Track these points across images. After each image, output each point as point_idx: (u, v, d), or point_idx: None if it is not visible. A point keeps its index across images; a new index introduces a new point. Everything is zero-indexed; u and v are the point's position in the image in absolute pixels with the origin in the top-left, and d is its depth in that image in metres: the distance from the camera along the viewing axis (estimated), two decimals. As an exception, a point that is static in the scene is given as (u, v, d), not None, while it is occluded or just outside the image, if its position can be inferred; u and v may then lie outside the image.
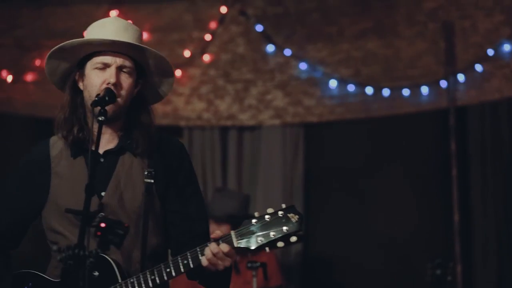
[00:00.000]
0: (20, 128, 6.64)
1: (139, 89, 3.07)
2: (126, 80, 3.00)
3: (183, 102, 6.51)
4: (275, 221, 2.80)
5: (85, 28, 6.46)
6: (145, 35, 6.39)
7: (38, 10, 6.61)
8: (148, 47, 2.99)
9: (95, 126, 2.90)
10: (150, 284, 2.87)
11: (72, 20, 6.53)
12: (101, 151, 3.02)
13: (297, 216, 2.80)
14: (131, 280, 2.89)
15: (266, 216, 2.81)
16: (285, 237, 2.79)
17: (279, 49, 6.44)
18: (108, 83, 2.95)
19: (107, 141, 3.04)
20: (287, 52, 6.43)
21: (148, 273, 2.89)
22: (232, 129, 6.61)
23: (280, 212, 2.81)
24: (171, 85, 3.16)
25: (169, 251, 3.16)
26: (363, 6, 6.40)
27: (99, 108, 2.86)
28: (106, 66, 2.98)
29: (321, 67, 6.41)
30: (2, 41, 6.60)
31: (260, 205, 6.40)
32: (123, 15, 6.41)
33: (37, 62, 6.53)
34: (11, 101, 6.62)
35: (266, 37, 6.46)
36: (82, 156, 3.03)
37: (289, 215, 2.81)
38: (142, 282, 2.88)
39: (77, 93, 3.04)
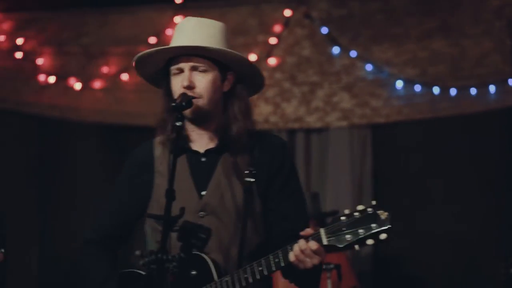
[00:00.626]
0: (88, 135, 7.11)
1: (232, 83, 3.23)
2: (201, 79, 3.14)
3: (250, 106, 6.74)
4: (364, 218, 2.84)
5: (150, 34, 6.87)
6: (211, 40, 6.68)
7: (104, 18, 7.10)
8: (205, 46, 3.12)
9: (191, 127, 3.17)
10: (243, 283, 3.00)
11: (138, 27, 6.91)
12: (202, 150, 3.20)
13: (386, 213, 2.83)
14: (226, 278, 3.02)
15: (355, 213, 2.86)
16: (374, 235, 2.81)
17: (345, 50, 6.81)
18: (183, 87, 3.12)
19: (208, 140, 3.21)
20: (353, 53, 6.80)
21: (241, 272, 3.02)
22: (299, 132, 6.98)
23: (369, 209, 2.85)
24: (260, 75, 3.30)
25: None
26: (428, 5, 6.78)
27: (176, 113, 3.01)
28: (180, 71, 3.15)
29: (387, 68, 6.77)
30: (69, 49, 7.12)
31: (329, 207, 6.72)
32: (186, 20, 6.70)
33: (104, 69, 6.98)
34: (80, 108, 7.11)
35: (331, 39, 6.84)
36: (184, 155, 3.18)
37: (378, 212, 2.83)
38: (236, 280, 3.01)
39: (170, 95, 3.21)
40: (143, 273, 3.14)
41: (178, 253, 2.78)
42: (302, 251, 2.90)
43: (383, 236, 2.81)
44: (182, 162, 3.18)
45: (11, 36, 7.09)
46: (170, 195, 2.83)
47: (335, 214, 5.94)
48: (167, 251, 2.74)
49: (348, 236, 2.84)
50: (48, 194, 7.18)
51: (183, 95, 3.08)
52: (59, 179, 7.14)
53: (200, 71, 3.14)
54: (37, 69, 7.06)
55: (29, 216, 7.18)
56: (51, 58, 7.08)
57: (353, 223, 2.84)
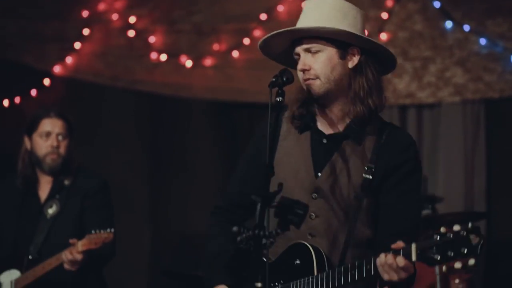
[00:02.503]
0: (200, 112, 7.84)
1: (358, 58, 3.44)
2: (315, 60, 3.40)
3: (361, 82, 7.35)
4: (457, 240, 2.99)
5: (261, 11, 7.47)
6: (321, 16, 7.30)
7: (214, -5, 7.81)
8: (318, 26, 3.35)
9: (317, 107, 3.48)
10: (336, 284, 3.23)
11: (248, 4, 7.60)
12: (325, 131, 3.48)
13: (478, 239, 2.96)
14: (321, 275, 3.27)
15: (449, 234, 3.02)
16: (462, 258, 2.98)
17: (458, 25, 7.37)
18: (299, 71, 3.43)
19: (333, 122, 3.47)
20: (466, 27, 7.35)
21: (336, 272, 3.24)
22: (411, 108, 7.59)
23: (462, 232, 2.99)
24: (386, 50, 3.53)
25: None
26: None
27: (276, 89, 3.25)
28: (298, 55, 3.46)
29: (502, 41, 7.29)
30: (181, 26, 7.85)
31: (441, 185, 7.37)
32: (300, -2, 7.39)
33: (215, 47, 7.68)
34: (191, 86, 7.86)
35: (444, 13, 7.41)
36: (308, 132, 3.51)
37: (471, 236, 2.97)
38: (330, 280, 3.25)
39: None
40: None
41: (275, 229, 3.01)
42: (388, 265, 3.10)
43: (471, 262, 2.97)
44: (305, 140, 3.50)
45: (124, 14, 7.90)
46: (269, 170, 3.08)
47: (440, 200, 6.54)
48: (264, 227, 2.94)
49: (437, 256, 3.01)
50: (161, 171, 7.93)
51: (285, 70, 3.31)
52: (171, 156, 7.89)
53: (313, 52, 3.40)
54: (149, 47, 7.83)
55: (142, 194, 7.95)
56: (163, 36, 7.85)
57: (444, 244, 3.00)
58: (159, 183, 7.92)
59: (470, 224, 2.99)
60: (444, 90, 7.40)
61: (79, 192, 5.52)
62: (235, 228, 2.97)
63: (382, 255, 3.12)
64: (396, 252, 3.10)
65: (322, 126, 3.51)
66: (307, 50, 3.41)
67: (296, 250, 3.37)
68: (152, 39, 7.85)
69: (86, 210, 5.48)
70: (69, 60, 7.96)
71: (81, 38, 7.96)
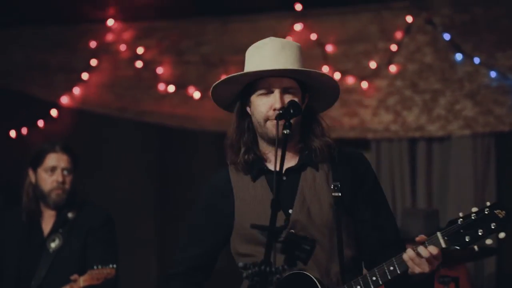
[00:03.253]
0: (208, 144, 7.76)
1: (306, 102, 3.50)
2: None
3: (370, 114, 7.44)
4: (482, 219, 3.11)
5: (270, 42, 7.38)
6: (330, 48, 7.43)
7: (223, 27, 7.84)
8: (305, 69, 3.42)
9: (268, 148, 3.45)
10: None
11: (257, 36, 7.27)
12: (282, 169, 3.33)
13: (504, 212, 3.09)
14: None
15: (472, 215, 3.14)
16: (493, 234, 3.10)
17: (468, 57, 7.33)
18: (275, 109, 3.35)
19: (288, 159, 3.38)
20: (476, 60, 7.31)
21: (352, 283, 3.26)
22: (421, 141, 7.52)
23: (486, 209, 3.13)
24: (338, 94, 3.56)
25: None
26: None
27: (283, 121, 3.24)
28: (269, 91, 3.40)
29: (512, 74, 7.25)
30: (189, 58, 7.85)
31: (451, 217, 7.08)
32: (307, 28, 7.47)
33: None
34: (199, 117, 7.81)
35: (454, 46, 7.37)
36: (263, 177, 3.48)
37: (495, 211, 3.10)
38: None
39: (244, 118, 3.53)
40: None
41: (282, 265, 2.95)
42: (423, 257, 3.17)
43: (502, 235, 3.10)
44: (263, 184, 3.47)
45: (132, 45, 7.91)
46: (276, 205, 3.01)
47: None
48: (271, 263, 2.89)
49: (467, 237, 3.12)
50: (168, 203, 7.88)
51: (293, 102, 3.33)
52: (178, 188, 7.82)
53: (290, 92, 3.40)
54: (157, 78, 7.83)
55: (148, 226, 7.90)
56: (171, 67, 7.84)
57: (471, 224, 3.12)
58: (166, 215, 7.86)
59: (488, 203, 3.14)
60: (454, 123, 7.35)
61: (82, 226, 5.46)
62: (241, 264, 2.93)
63: (410, 250, 3.17)
64: (424, 244, 3.16)
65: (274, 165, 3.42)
66: (286, 90, 3.40)
67: (293, 281, 3.30)
68: (160, 70, 7.84)
69: (89, 245, 5.42)
70: (76, 91, 7.95)
71: (88, 68, 7.94)
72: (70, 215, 5.47)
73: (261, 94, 3.41)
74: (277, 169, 3.18)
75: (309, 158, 3.45)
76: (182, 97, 7.78)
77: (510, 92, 7.23)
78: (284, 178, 3.44)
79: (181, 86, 7.79)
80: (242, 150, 3.46)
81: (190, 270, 3.55)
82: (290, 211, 3.39)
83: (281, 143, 3.19)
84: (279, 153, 3.16)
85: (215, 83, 3.52)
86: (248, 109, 3.51)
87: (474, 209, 3.16)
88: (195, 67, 7.80)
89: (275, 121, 3.31)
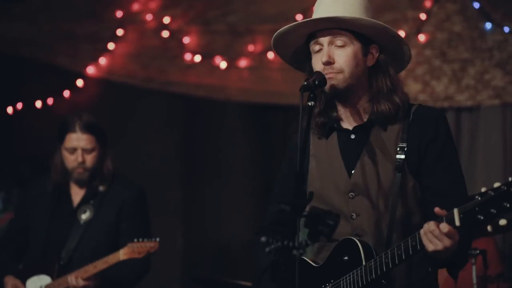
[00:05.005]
0: (235, 115, 7.75)
1: (377, 56, 3.40)
2: (341, 54, 3.32)
3: (399, 84, 7.24)
4: (497, 196, 2.94)
5: (297, 11, 7.42)
6: (359, 17, 7.21)
7: (250, -4, 7.68)
8: (340, 16, 3.28)
9: (339, 105, 3.40)
10: (385, 268, 3.17)
11: (284, 5, 7.49)
12: (351, 126, 3.42)
13: None
14: (370, 264, 3.20)
15: (490, 192, 2.98)
16: (505, 213, 2.97)
17: (498, 26, 7.20)
18: (323, 63, 3.30)
19: (357, 116, 3.41)
20: (506, 29, 7.17)
21: (383, 256, 3.18)
22: (450, 111, 7.40)
23: (503, 187, 2.95)
24: (406, 46, 3.43)
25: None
26: None
27: (308, 93, 3.19)
28: (320, 47, 3.35)
29: (542, 44, 7.12)
30: (216, 27, 7.76)
31: (479, 188, 7.02)
32: (334, -3, 7.25)
33: (250, 48, 7.58)
34: (225, 87, 7.76)
35: (484, 15, 7.24)
36: (334, 133, 3.46)
37: (511, 189, 2.93)
38: (378, 265, 3.18)
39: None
40: (303, 258, 3.41)
41: (305, 240, 2.93)
42: (431, 232, 3.04)
43: None
44: (333, 142, 3.45)
45: (158, 14, 7.81)
46: (300, 179, 3.02)
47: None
48: (294, 238, 2.88)
49: (480, 216, 2.96)
50: (194, 175, 7.86)
51: (317, 73, 3.27)
52: (205, 160, 7.83)
53: (338, 45, 3.32)
54: (183, 48, 7.74)
55: (175, 198, 7.88)
56: (197, 36, 7.76)
57: (486, 202, 2.95)
58: (193, 187, 7.85)
59: (510, 178, 2.95)
60: (483, 93, 7.24)
61: (115, 200, 5.40)
62: (263, 239, 2.91)
63: (425, 224, 3.06)
64: (439, 220, 3.05)
65: (346, 123, 3.46)
66: (332, 43, 3.34)
67: (343, 247, 3.31)
68: (186, 40, 7.76)
69: (123, 218, 5.36)
70: (102, 61, 7.88)
71: (114, 38, 7.88)
72: (100, 188, 5.43)
73: (315, 51, 3.37)
74: (343, 131, 3.31)
75: (378, 117, 3.37)
76: (208, 67, 7.70)
77: (540, 61, 7.12)
78: (353, 136, 3.41)
79: (208, 56, 7.70)
80: (317, 110, 3.43)
81: (276, 224, 3.55)
82: (353, 171, 3.36)
83: (306, 114, 3.15)
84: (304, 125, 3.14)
85: (272, 40, 3.46)
86: None
87: (496, 185, 2.99)
88: (221, 37, 7.71)
89: (330, 75, 3.31)
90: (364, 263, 3.23)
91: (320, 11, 3.34)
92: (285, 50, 3.51)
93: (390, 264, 3.15)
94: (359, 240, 3.28)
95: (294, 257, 2.86)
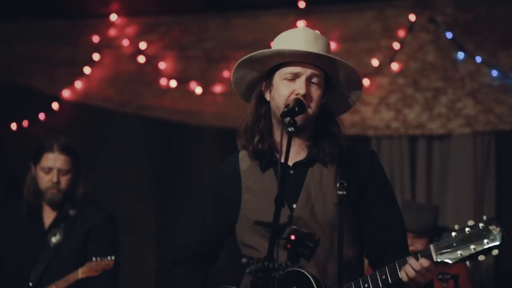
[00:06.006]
0: (210, 139, 7.72)
1: (325, 99, 3.42)
2: (315, 92, 3.35)
3: (371, 111, 7.41)
4: (476, 234, 3.03)
5: (272, 39, 7.46)
6: (333, 45, 7.36)
7: (225, 23, 7.79)
8: (339, 58, 3.35)
9: (284, 137, 3.23)
10: None
11: (259, 32, 7.55)
12: (290, 163, 3.37)
13: (498, 229, 3.01)
14: None
15: (466, 229, 3.05)
16: (486, 250, 3.02)
17: (470, 56, 7.29)
18: (297, 94, 3.29)
19: (296, 153, 3.40)
20: (478, 59, 7.26)
21: (346, 287, 3.24)
22: (421, 139, 7.48)
23: (481, 225, 3.03)
24: (359, 97, 3.49)
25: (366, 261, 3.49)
26: None
27: (288, 119, 3.20)
28: (295, 76, 3.33)
29: (513, 74, 7.20)
30: (191, 53, 7.82)
31: (449, 215, 7.24)
32: (310, 25, 7.40)
33: (225, 74, 7.62)
34: (200, 112, 7.79)
35: (457, 44, 7.33)
36: (271, 168, 3.42)
37: (490, 227, 3.01)
38: None
39: (262, 104, 3.43)
40: None
41: (285, 261, 2.93)
42: (414, 270, 3.11)
43: (495, 252, 3.02)
44: (270, 176, 3.42)
45: (134, 40, 7.86)
46: (280, 202, 3.01)
47: (449, 230, 6.47)
48: (274, 259, 2.89)
49: (459, 252, 3.04)
50: (168, 198, 7.84)
51: (297, 100, 3.27)
52: (179, 183, 7.79)
53: (314, 83, 3.34)
54: (159, 73, 7.78)
55: (148, 219, 7.86)
56: (173, 62, 7.80)
57: (464, 239, 3.04)
58: (166, 209, 7.82)
59: (485, 217, 3.04)
60: (455, 121, 7.31)
61: (84, 223, 5.40)
62: (244, 260, 2.90)
63: (407, 265, 3.12)
64: (416, 256, 3.11)
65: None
66: (310, 79, 3.35)
67: (289, 278, 3.22)
68: (162, 65, 7.79)
69: (90, 242, 5.37)
70: (78, 84, 7.89)
71: (91, 63, 7.90)
72: (71, 211, 5.42)
73: (286, 79, 3.34)
74: (283, 164, 3.17)
75: (318, 154, 3.39)
76: (183, 92, 7.74)
77: (511, 91, 7.19)
78: (292, 171, 3.39)
79: (183, 81, 7.74)
80: (257, 137, 3.40)
81: (196, 256, 3.53)
82: (294, 205, 3.35)
83: (288, 140, 3.18)
84: (285, 149, 3.16)
85: (242, 58, 3.42)
86: (267, 95, 3.42)
87: (470, 223, 3.07)
88: (197, 63, 7.75)
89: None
90: None
91: (301, 44, 3.33)
92: (244, 73, 3.49)
93: None
94: (308, 272, 3.26)
95: (274, 278, 2.87)
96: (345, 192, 3.32)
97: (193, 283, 3.48)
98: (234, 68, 3.47)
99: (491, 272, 7.19)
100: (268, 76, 3.41)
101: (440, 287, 5.38)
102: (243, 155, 3.49)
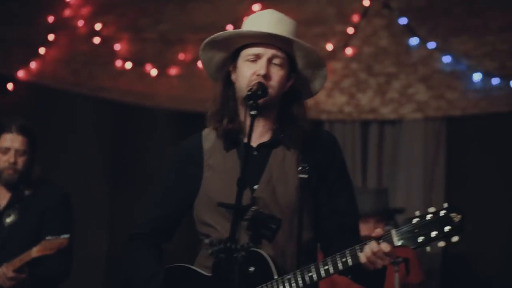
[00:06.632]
0: (164, 122, 7.74)
1: (292, 83, 3.41)
2: (276, 72, 3.34)
3: (325, 96, 7.45)
4: (437, 220, 3.04)
5: (228, 22, 7.50)
6: (288, 29, 7.31)
7: (182, 5, 7.78)
8: (295, 39, 3.33)
9: (248, 119, 3.23)
10: (308, 281, 3.19)
11: (216, 14, 7.55)
12: (254, 144, 3.38)
13: (459, 216, 3.03)
14: (288, 276, 3.20)
15: (428, 215, 3.07)
16: (446, 237, 3.04)
17: (423, 42, 7.35)
18: (258, 74, 3.30)
19: (260, 134, 3.41)
20: (431, 45, 7.33)
21: (305, 270, 3.21)
22: (373, 123, 7.56)
23: (442, 211, 3.05)
24: (324, 79, 3.48)
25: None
26: None
27: (251, 102, 3.21)
28: (257, 57, 3.34)
29: (465, 60, 7.28)
30: (147, 35, 7.80)
31: (400, 200, 7.31)
32: (264, 8, 7.28)
33: (181, 56, 7.61)
34: (155, 95, 7.79)
35: (410, 30, 7.39)
36: (235, 149, 3.41)
37: (451, 214, 3.04)
38: (299, 278, 3.20)
39: (229, 85, 3.42)
40: (191, 267, 3.37)
41: (247, 242, 2.99)
42: (374, 253, 3.12)
43: (455, 238, 3.04)
44: (233, 156, 3.41)
45: (90, 21, 7.81)
46: (243, 183, 3.01)
47: (401, 211, 6.58)
48: (236, 240, 2.91)
49: (420, 238, 3.05)
50: (121, 180, 7.84)
51: (259, 84, 3.27)
52: (133, 165, 7.78)
53: (276, 63, 3.34)
54: (114, 55, 7.76)
55: (101, 201, 7.84)
56: (128, 44, 7.78)
57: (425, 225, 3.05)
58: (120, 191, 7.81)
59: (446, 204, 3.07)
60: (407, 106, 7.38)
61: (39, 204, 5.40)
62: (207, 241, 2.97)
63: (366, 246, 3.13)
64: (376, 240, 3.13)
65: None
66: (271, 59, 3.36)
67: (248, 259, 3.20)
68: (117, 47, 7.78)
69: (45, 223, 5.36)
70: (33, 65, 7.84)
71: (46, 43, 7.84)
72: (26, 192, 5.42)
73: (248, 60, 3.36)
74: (247, 146, 3.19)
75: (282, 137, 3.40)
76: (139, 74, 7.72)
77: (462, 77, 7.26)
78: (255, 153, 3.40)
79: (138, 63, 7.73)
80: (226, 118, 3.40)
81: (153, 231, 3.49)
82: (256, 187, 3.35)
83: (251, 123, 3.18)
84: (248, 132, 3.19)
85: (206, 40, 3.43)
86: (233, 76, 3.42)
87: (431, 209, 3.09)
88: (152, 45, 7.74)
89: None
90: (275, 275, 3.23)
91: (264, 26, 3.35)
92: (211, 54, 3.49)
93: (316, 277, 3.21)
94: (266, 253, 3.26)
95: (236, 259, 2.90)
96: (306, 176, 3.33)
97: (148, 258, 3.46)
98: (200, 51, 3.48)
99: (439, 255, 7.27)
100: (234, 58, 3.43)
101: (392, 270, 5.52)
102: (206, 134, 3.48)
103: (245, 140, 3.23)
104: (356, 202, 3.51)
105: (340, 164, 3.47)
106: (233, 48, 3.42)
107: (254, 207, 3.22)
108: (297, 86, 3.44)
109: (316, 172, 3.38)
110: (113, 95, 7.84)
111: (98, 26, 7.82)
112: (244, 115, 3.32)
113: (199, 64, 7.36)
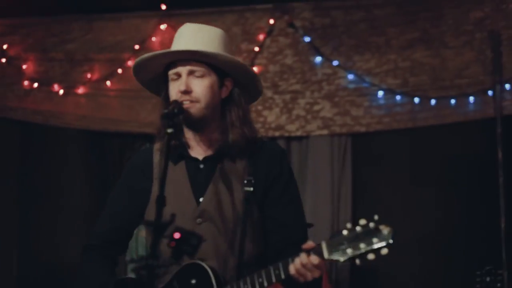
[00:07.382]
0: (71, 141, 7.71)
1: (232, 88, 3.50)
2: (199, 84, 3.39)
3: (231, 114, 7.42)
4: (366, 233, 3.01)
5: (134, 41, 7.44)
6: (194, 48, 7.36)
7: (88, 25, 7.76)
8: (202, 50, 3.38)
9: (189, 134, 3.43)
10: None
11: (122, 34, 7.56)
12: (200, 157, 3.48)
13: (388, 228, 3.00)
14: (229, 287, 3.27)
15: (357, 228, 3.03)
16: (375, 250, 3.01)
17: (327, 60, 7.46)
18: (180, 91, 3.36)
19: (206, 147, 3.49)
20: (335, 63, 7.45)
21: (241, 282, 3.26)
22: (280, 140, 7.61)
23: (371, 224, 3.02)
24: (255, 79, 3.57)
25: None
26: (410, 16, 7.41)
27: (167, 120, 3.24)
28: (178, 75, 3.41)
29: (369, 77, 7.41)
30: (53, 55, 7.76)
31: (307, 214, 7.19)
32: (172, 28, 7.45)
33: (88, 76, 7.56)
34: (63, 114, 7.73)
35: (314, 48, 7.49)
36: (183, 162, 3.50)
37: (380, 226, 3.01)
38: None
39: (168, 102, 3.44)
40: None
41: (169, 257, 3.06)
42: (303, 265, 3.12)
43: (384, 251, 3.00)
44: (181, 169, 3.49)
45: (-4, 41, 7.76)
46: (161, 201, 3.02)
47: (309, 226, 6.63)
48: (157, 257, 2.92)
49: (349, 251, 3.02)
50: (30, 199, 7.77)
51: (175, 102, 3.33)
52: (41, 184, 7.74)
53: (197, 76, 3.39)
54: (22, 75, 7.73)
55: (10, 219, 7.78)
56: (35, 63, 7.74)
57: (354, 238, 3.02)
58: (28, 210, 7.76)
59: (376, 216, 3.03)
60: (313, 123, 7.47)
61: None
62: (128, 257, 3.03)
63: (297, 258, 3.13)
64: (307, 252, 3.12)
65: (195, 152, 3.51)
66: (191, 73, 3.41)
67: (189, 271, 3.33)
68: (24, 67, 7.74)
69: None
70: None
71: (-48, 63, 7.79)
72: None
73: (172, 79, 3.42)
74: (192, 160, 3.36)
75: (226, 149, 3.45)
76: (46, 93, 7.70)
77: (366, 94, 7.38)
78: (202, 166, 3.46)
79: (46, 83, 7.70)
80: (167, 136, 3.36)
81: (106, 243, 3.54)
82: (201, 199, 3.41)
83: (166, 141, 3.19)
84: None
85: (133, 66, 3.53)
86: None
87: (362, 222, 3.05)
88: (59, 64, 7.72)
89: (187, 104, 3.36)
90: (215, 287, 3.28)
91: (180, 43, 3.42)
92: (143, 75, 3.56)
93: None
94: (207, 265, 3.32)
95: (157, 275, 2.92)
96: (252, 189, 3.39)
97: (99, 269, 3.49)
98: (135, 76, 3.56)
99: (346, 266, 7.34)
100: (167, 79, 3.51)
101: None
102: (157, 148, 3.54)
103: (191, 153, 3.41)
104: (303, 215, 3.55)
105: (288, 177, 3.51)
106: (162, 68, 3.50)
107: (176, 225, 3.19)
108: (237, 91, 3.51)
109: (262, 185, 3.43)
110: (21, 115, 7.80)
111: (4, 46, 7.78)
112: (185, 130, 3.44)
113: (107, 83, 7.41)
